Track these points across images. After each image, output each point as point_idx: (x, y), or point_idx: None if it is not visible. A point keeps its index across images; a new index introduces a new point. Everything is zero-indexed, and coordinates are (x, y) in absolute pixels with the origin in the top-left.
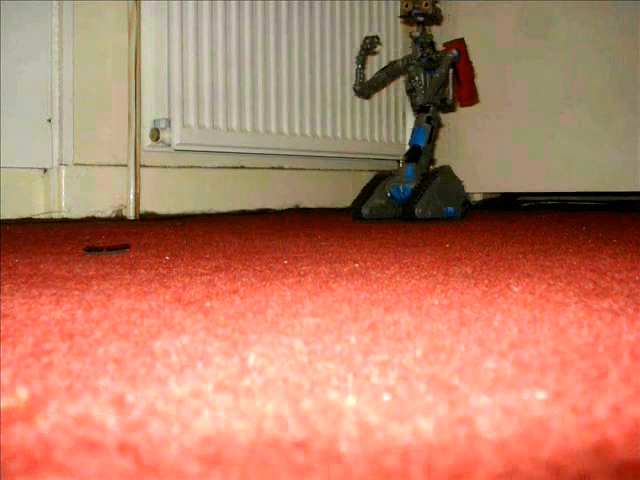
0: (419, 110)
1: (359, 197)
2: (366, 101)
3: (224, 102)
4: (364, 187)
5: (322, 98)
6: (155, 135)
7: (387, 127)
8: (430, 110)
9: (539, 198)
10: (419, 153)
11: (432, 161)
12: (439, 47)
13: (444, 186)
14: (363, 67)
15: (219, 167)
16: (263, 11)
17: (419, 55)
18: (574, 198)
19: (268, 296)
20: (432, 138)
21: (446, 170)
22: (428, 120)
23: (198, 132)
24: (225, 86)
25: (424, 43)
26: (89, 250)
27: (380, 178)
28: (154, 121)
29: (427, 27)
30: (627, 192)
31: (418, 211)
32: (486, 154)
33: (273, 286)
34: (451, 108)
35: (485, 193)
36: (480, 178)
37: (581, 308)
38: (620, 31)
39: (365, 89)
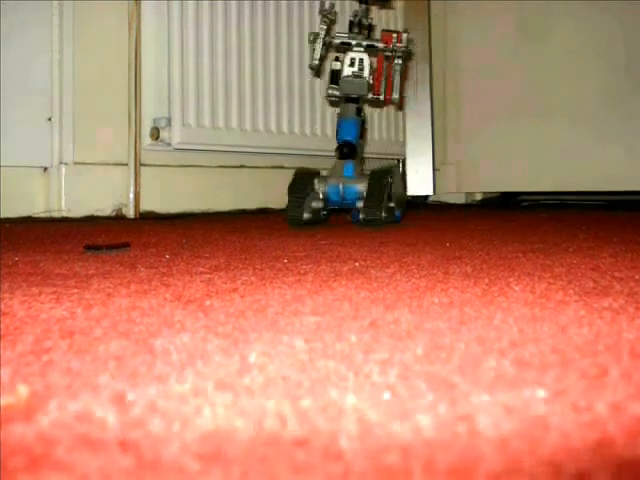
0: (345, 100)
1: (294, 199)
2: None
3: (224, 101)
4: (292, 188)
5: (322, 97)
6: (155, 134)
7: (387, 126)
8: (360, 101)
9: (539, 197)
10: (354, 149)
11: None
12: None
13: (394, 187)
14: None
15: (219, 166)
16: (263, 10)
17: (364, 40)
18: (574, 197)
19: (268, 295)
20: (363, 133)
21: (396, 170)
22: (358, 112)
23: (198, 131)
24: (225, 85)
25: (367, 25)
26: (89, 249)
27: (307, 177)
28: (154, 120)
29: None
30: (627, 191)
31: (383, 215)
32: (486, 153)
33: (273, 285)
34: (396, 104)
35: (485, 192)
36: (480, 177)
37: (581, 307)
38: (620, 31)
39: (319, 65)
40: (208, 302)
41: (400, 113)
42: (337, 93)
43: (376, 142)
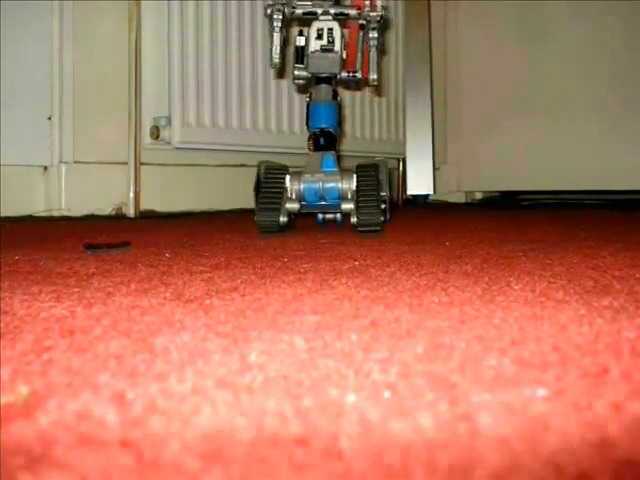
0: (316, 81)
1: (266, 201)
2: (367, 99)
3: (224, 100)
4: (260, 187)
5: None
6: (155, 133)
7: (387, 125)
8: (333, 83)
9: (539, 196)
10: (333, 138)
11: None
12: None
13: (384, 186)
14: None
15: (219, 165)
16: (263, 9)
17: (331, 7)
18: (574, 197)
19: (268, 293)
20: (340, 120)
21: (383, 166)
22: (334, 95)
23: (198, 130)
24: (225, 84)
25: None
26: (89, 247)
27: (277, 173)
28: (154, 119)
29: None
30: (627, 190)
31: (381, 219)
32: (486, 152)
33: (273, 284)
34: (377, 86)
35: (485, 192)
36: (480, 176)
37: (581, 305)
38: (620, 30)
39: (280, 64)
40: (208, 301)
41: (400, 112)
42: (305, 74)
43: (376, 141)
